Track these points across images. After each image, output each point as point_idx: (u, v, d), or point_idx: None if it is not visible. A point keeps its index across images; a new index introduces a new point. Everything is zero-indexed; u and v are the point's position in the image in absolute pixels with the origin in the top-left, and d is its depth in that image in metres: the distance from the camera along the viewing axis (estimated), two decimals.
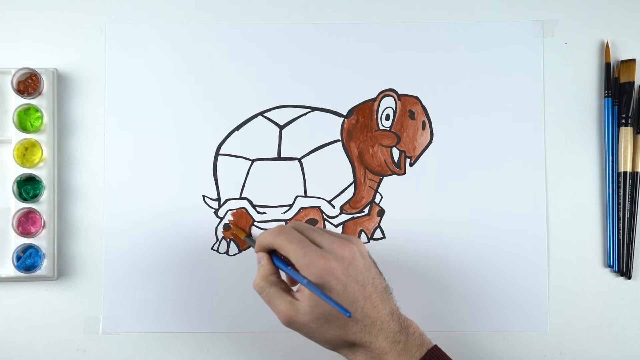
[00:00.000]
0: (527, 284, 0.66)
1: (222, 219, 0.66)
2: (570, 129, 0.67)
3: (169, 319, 0.66)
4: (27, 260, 0.64)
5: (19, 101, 0.65)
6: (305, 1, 0.68)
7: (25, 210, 0.64)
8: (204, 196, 0.66)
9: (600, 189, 0.67)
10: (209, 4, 0.68)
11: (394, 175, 0.67)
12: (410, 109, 0.67)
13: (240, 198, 0.67)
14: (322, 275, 0.50)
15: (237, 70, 0.67)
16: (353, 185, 0.67)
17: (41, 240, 0.65)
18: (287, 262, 0.54)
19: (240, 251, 0.66)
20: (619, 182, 0.66)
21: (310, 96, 0.67)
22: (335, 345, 0.53)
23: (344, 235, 0.55)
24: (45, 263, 0.65)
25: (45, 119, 0.65)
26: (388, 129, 0.67)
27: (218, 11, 0.68)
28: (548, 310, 0.66)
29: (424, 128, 0.67)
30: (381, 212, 0.67)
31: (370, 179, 0.67)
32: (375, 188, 0.67)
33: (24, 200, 0.64)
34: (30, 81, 0.65)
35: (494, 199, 0.66)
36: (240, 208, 0.66)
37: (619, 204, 0.66)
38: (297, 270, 0.52)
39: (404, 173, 0.67)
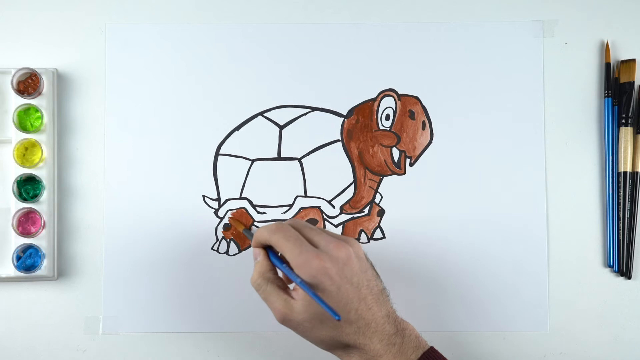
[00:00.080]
0: (527, 284, 0.66)
1: (222, 219, 0.66)
2: (570, 129, 0.67)
3: (169, 319, 0.66)
4: (27, 260, 0.64)
5: (19, 101, 0.65)
6: (305, 1, 0.68)
7: (25, 210, 0.64)
8: (204, 196, 0.66)
9: (600, 189, 0.67)
10: (209, 4, 0.68)
11: (394, 175, 0.67)
12: (410, 109, 0.67)
13: (240, 198, 0.67)
14: (316, 276, 0.50)
15: (237, 70, 0.67)
16: (353, 185, 0.67)
17: (41, 240, 0.65)
18: (283, 260, 0.54)
19: (240, 251, 0.66)
20: (619, 182, 0.66)
21: (310, 96, 0.67)
22: (329, 345, 0.53)
23: (341, 236, 0.55)
24: (45, 263, 0.65)
25: (45, 119, 0.65)
26: (388, 129, 0.67)
27: (218, 11, 0.68)
28: (548, 310, 0.66)
29: (424, 128, 0.67)
30: (381, 212, 0.67)
31: (370, 179, 0.67)
32: (375, 188, 0.67)
33: (24, 200, 0.64)
34: (30, 81, 0.66)
35: (494, 199, 0.66)
36: (240, 208, 0.66)
37: (619, 204, 0.66)
38: (291, 269, 0.52)
39: (404, 173, 0.67)
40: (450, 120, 0.67)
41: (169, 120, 0.67)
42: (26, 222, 0.65)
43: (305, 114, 0.67)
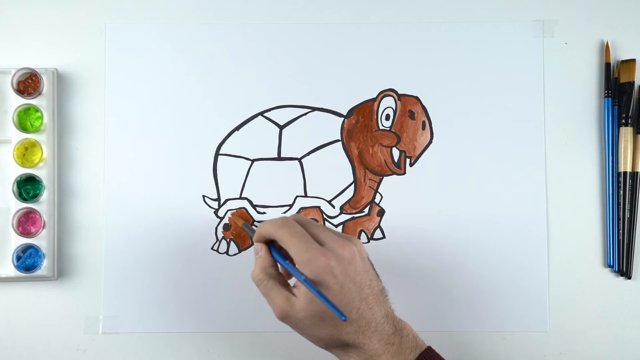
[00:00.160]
0: (527, 284, 0.66)
1: (222, 219, 0.66)
2: (570, 129, 0.67)
3: (169, 319, 0.66)
4: (27, 260, 0.64)
5: (19, 101, 0.65)
6: (305, 1, 0.68)
7: (25, 210, 0.64)
8: (204, 196, 0.66)
9: (600, 189, 0.67)
10: (209, 4, 0.68)
11: (394, 175, 0.67)
12: (410, 109, 0.67)
13: (240, 198, 0.67)
14: (320, 273, 0.50)
15: (237, 70, 0.67)
16: (353, 185, 0.67)
17: (41, 240, 0.65)
18: (285, 256, 0.54)
19: (240, 251, 0.66)
20: (619, 182, 0.66)
21: (310, 96, 0.67)
22: (328, 344, 0.53)
23: (344, 235, 0.55)
24: (45, 263, 0.65)
25: (45, 119, 0.65)
26: (388, 129, 0.67)
27: (218, 11, 0.68)
28: (548, 310, 0.66)
29: (424, 128, 0.67)
30: (381, 212, 0.67)
31: (370, 179, 0.67)
32: (375, 188, 0.67)
33: (24, 200, 0.64)
34: (30, 81, 0.66)
35: (494, 199, 0.66)
36: (240, 208, 0.66)
37: (619, 204, 0.66)
38: (294, 265, 0.52)
39: (404, 173, 0.67)
40: (450, 120, 0.67)
41: (169, 120, 0.67)
42: (26, 222, 0.65)
43: (305, 114, 0.67)
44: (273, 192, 0.67)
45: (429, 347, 0.53)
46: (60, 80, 0.67)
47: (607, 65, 0.67)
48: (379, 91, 0.67)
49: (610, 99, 0.67)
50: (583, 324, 0.66)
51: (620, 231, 0.66)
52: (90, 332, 0.66)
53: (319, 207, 0.66)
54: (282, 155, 0.67)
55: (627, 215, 0.66)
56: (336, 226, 0.67)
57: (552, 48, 0.68)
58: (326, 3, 0.68)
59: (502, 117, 0.67)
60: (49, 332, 0.66)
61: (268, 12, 0.68)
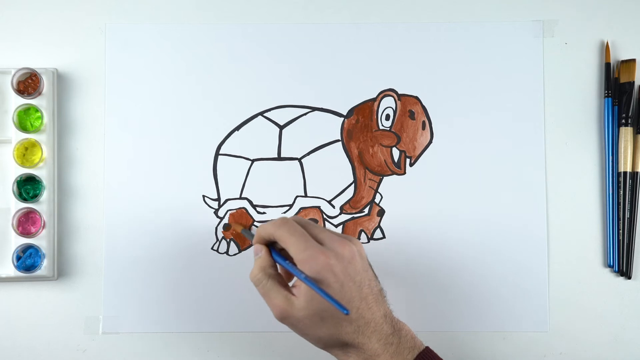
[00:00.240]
0: (527, 284, 0.66)
1: (222, 219, 0.66)
2: (570, 129, 0.67)
3: (169, 319, 0.66)
4: (27, 260, 0.64)
5: (19, 101, 0.65)
6: (305, 1, 0.68)
7: (25, 210, 0.64)
8: (204, 196, 0.66)
9: (600, 189, 0.67)
10: (209, 4, 0.68)
11: (394, 175, 0.67)
12: (410, 109, 0.67)
13: (240, 198, 0.67)
14: (321, 272, 0.50)
15: (237, 70, 0.67)
16: (353, 185, 0.67)
17: (41, 240, 0.65)
18: (285, 257, 0.54)
19: (240, 251, 0.66)
20: (619, 182, 0.66)
21: (310, 96, 0.67)
22: (327, 344, 0.53)
23: (344, 235, 0.55)
24: (45, 263, 0.65)
25: (45, 119, 0.65)
26: (388, 129, 0.67)
27: (218, 11, 0.68)
28: (548, 310, 0.66)
29: (424, 128, 0.67)
30: (381, 212, 0.67)
31: (370, 179, 0.67)
32: (375, 188, 0.67)
33: (24, 200, 0.64)
34: (30, 81, 0.66)
35: (494, 199, 0.66)
36: (240, 208, 0.66)
37: (619, 204, 0.66)
38: (295, 265, 0.52)
39: (404, 173, 0.67)
40: (450, 120, 0.67)
41: (169, 120, 0.67)
42: (26, 222, 0.65)
43: (305, 114, 0.67)
44: (273, 192, 0.67)
45: (427, 348, 0.53)
46: (60, 80, 0.67)
47: (607, 65, 0.67)
48: (379, 91, 0.67)
49: (610, 99, 0.67)
50: (583, 324, 0.66)
51: (620, 231, 0.66)
52: (90, 332, 0.66)
53: (319, 207, 0.66)
54: (282, 155, 0.67)
55: (627, 215, 0.66)
56: (336, 226, 0.67)
57: (552, 48, 0.68)
58: (326, 3, 0.68)
59: (502, 117, 0.67)
60: (49, 332, 0.66)
61: (268, 12, 0.68)
